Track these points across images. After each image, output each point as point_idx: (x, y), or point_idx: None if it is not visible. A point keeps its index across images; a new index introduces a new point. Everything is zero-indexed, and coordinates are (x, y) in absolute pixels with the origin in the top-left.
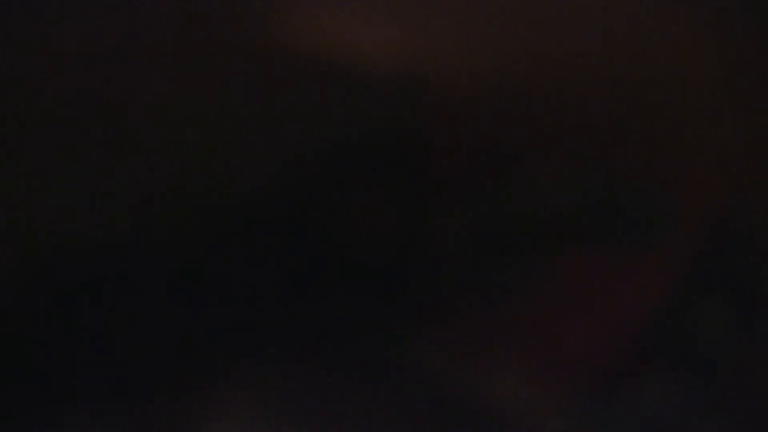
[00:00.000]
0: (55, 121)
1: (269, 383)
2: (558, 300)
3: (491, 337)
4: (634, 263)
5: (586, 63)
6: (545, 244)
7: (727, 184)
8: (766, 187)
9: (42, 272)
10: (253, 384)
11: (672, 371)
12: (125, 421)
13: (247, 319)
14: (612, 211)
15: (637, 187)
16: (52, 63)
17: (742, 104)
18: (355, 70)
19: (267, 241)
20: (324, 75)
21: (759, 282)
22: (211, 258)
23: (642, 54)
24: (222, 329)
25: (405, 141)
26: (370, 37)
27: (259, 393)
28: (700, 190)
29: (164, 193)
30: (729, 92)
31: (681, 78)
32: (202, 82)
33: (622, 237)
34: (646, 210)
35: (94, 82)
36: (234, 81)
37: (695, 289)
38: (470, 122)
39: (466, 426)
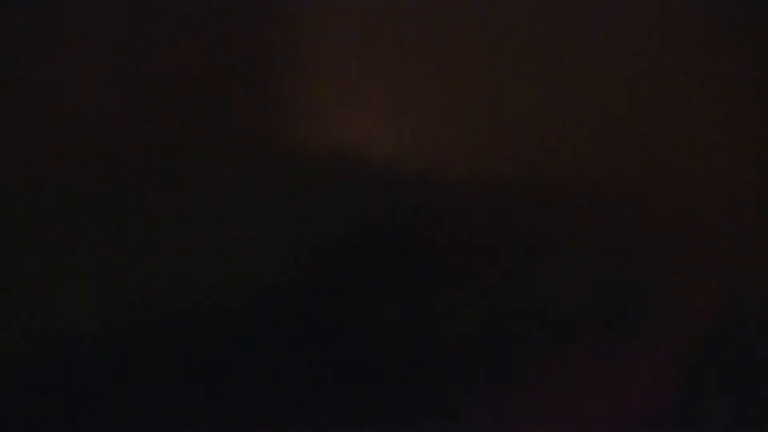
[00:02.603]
0: (79, 218)
1: None
2: (560, 386)
3: (498, 421)
4: (633, 355)
5: (589, 163)
6: (548, 334)
7: (725, 286)
8: (763, 289)
9: (60, 363)
10: None
11: None
12: None
13: (260, 411)
14: (612, 305)
15: (636, 283)
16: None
17: (744, 218)
18: (366, 168)
19: (282, 331)
20: (336, 172)
21: (755, 381)
22: (227, 351)
23: (642, 157)
24: (237, 421)
25: (412, 236)
26: (379, 135)
27: None
28: (699, 290)
29: (182, 288)
30: (730, 200)
31: (678, 182)
32: (218, 179)
33: (621, 330)
34: (645, 305)
35: (116, 181)
36: (248, 177)
37: (693, 381)
38: (476, 218)
39: None
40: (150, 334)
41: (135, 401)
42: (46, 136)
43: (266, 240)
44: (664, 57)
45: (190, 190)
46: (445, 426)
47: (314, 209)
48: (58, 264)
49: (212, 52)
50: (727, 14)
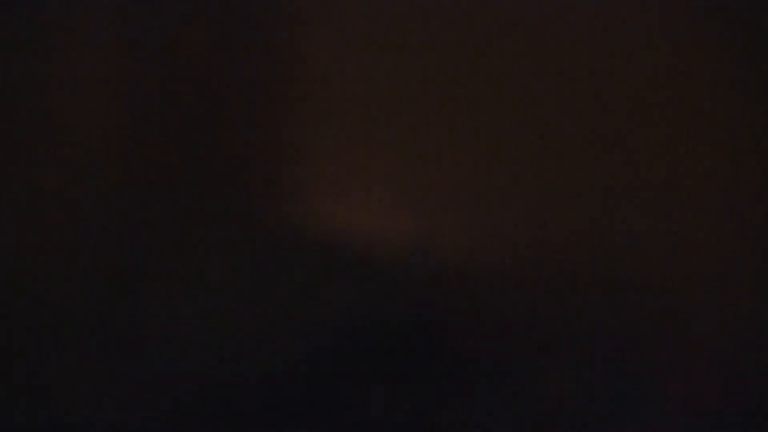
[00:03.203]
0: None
1: None
2: None
3: None
4: None
5: (598, 249)
6: (554, 427)
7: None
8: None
9: None
10: None
11: None
12: None
13: None
14: (615, 400)
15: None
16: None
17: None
18: (370, 256)
19: (282, 425)
20: (339, 260)
21: None
22: None
23: (654, 251)
24: None
25: (417, 326)
26: (384, 222)
27: None
28: (692, 383)
29: (179, 382)
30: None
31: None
32: (216, 271)
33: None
34: (643, 399)
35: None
36: (248, 267)
37: None
38: (482, 310)
39: None
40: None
41: None
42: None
43: (268, 330)
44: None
45: (186, 283)
46: None
47: (313, 297)
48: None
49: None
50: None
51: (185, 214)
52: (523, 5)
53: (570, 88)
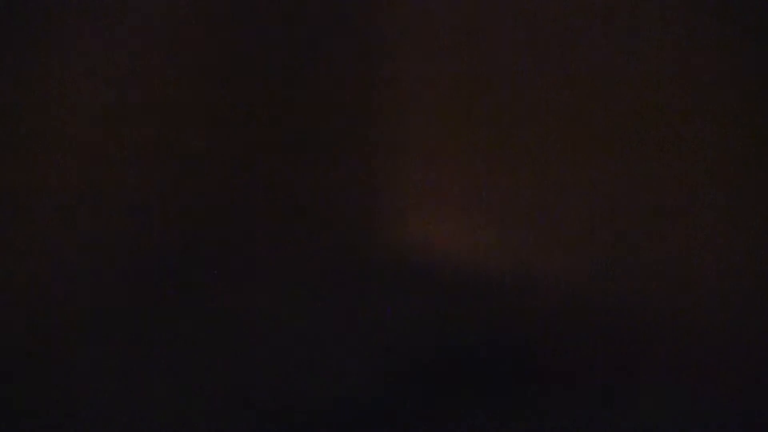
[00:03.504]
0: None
1: None
2: None
3: None
4: None
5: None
6: None
7: None
8: None
9: None
10: None
11: None
12: None
13: None
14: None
15: None
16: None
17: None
18: (456, 274)
19: None
20: (425, 279)
21: None
22: None
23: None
24: None
25: (503, 344)
26: (470, 240)
27: None
28: None
29: (266, 402)
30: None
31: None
32: (303, 289)
33: None
34: None
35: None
36: (334, 285)
37: None
38: (567, 327)
39: None
40: None
41: None
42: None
43: (364, 349)
44: None
45: (282, 301)
46: None
47: (400, 316)
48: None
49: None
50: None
51: (282, 231)
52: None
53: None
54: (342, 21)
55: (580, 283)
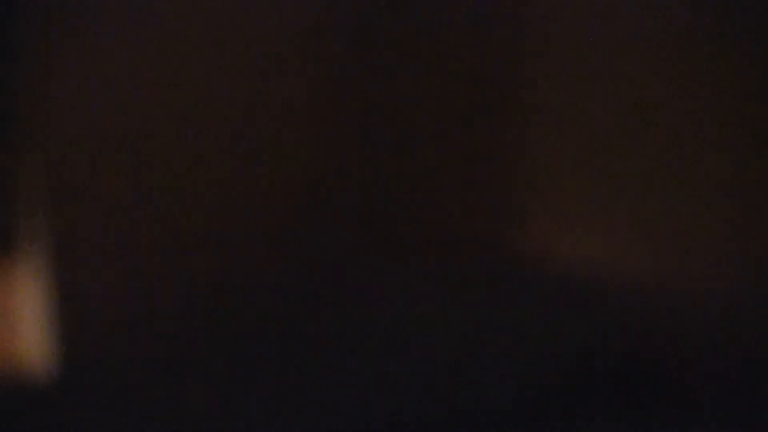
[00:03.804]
0: None
1: None
2: None
3: None
4: None
5: None
6: None
7: None
8: None
9: None
10: None
11: None
12: None
13: None
14: None
15: None
16: None
17: None
18: (586, 281)
19: None
20: (553, 286)
21: None
22: None
23: None
24: None
25: (643, 360)
26: (601, 247)
27: None
28: None
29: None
30: None
31: None
32: (439, 293)
33: None
34: None
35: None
36: (472, 295)
37: None
38: (709, 344)
39: None
40: None
41: None
42: None
43: (490, 360)
44: None
45: (408, 309)
46: None
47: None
48: None
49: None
50: None
51: (410, 237)
52: None
53: None
54: (480, 20)
55: (706, 290)
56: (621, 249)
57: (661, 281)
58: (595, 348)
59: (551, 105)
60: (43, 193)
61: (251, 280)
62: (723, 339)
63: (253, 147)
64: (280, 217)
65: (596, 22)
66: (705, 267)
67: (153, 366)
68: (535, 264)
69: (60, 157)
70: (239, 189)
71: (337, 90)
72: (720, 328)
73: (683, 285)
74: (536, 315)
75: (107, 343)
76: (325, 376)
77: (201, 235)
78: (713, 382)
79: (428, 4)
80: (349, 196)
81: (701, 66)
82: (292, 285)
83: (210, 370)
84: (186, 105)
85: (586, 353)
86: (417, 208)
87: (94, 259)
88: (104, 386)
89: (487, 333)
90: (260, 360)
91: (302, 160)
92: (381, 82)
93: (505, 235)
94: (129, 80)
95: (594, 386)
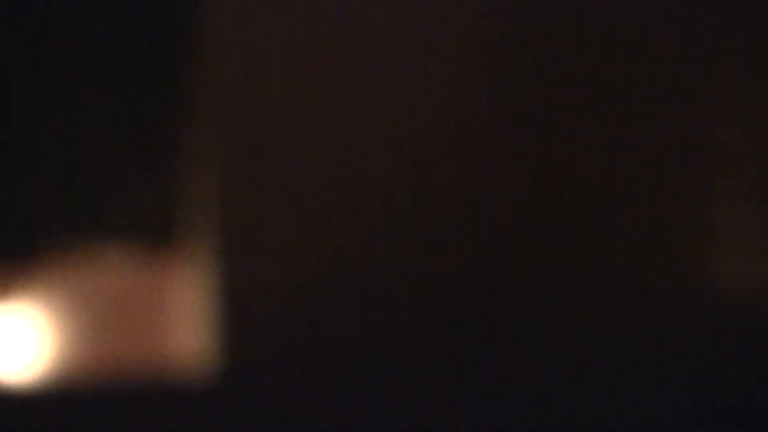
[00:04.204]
0: None
1: None
2: None
3: None
4: None
5: None
6: None
7: None
8: None
9: None
10: None
11: None
12: None
13: None
14: None
15: None
16: None
17: None
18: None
19: None
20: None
21: None
22: None
23: None
24: None
25: None
26: None
27: None
28: None
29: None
30: None
31: None
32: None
33: None
34: None
35: None
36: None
37: None
38: None
39: None
40: None
41: None
42: None
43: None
44: None
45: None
46: None
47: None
48: None
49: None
50: None
51: (600, 247)
52: None
53: None
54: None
55: None
56: None
57: None
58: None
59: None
60: (212, 189)
61: (424, 281)
62: None
63: (432, 152)
64: (463, 221)
65: None
66: None
67: (316, 368)
68: (725, 288)
69: (232, 153)
70: (415, 192)
71: (519, 98)
72: None
73: None
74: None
75: (268, 344)
76: (506, 378)
77: (370, 238)
78: None
79: (617, 11)
80: (535, 201)
81: None
82: (471, 288)
83: (377, 371)
84: (365, 108)
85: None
86: (607, 218)
87: (260, 257)
88: (264, 389)
89: (664, 352)
90: (431, 360)
91: (485, 165)
92: (564, 92)
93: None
94: (303, 81)
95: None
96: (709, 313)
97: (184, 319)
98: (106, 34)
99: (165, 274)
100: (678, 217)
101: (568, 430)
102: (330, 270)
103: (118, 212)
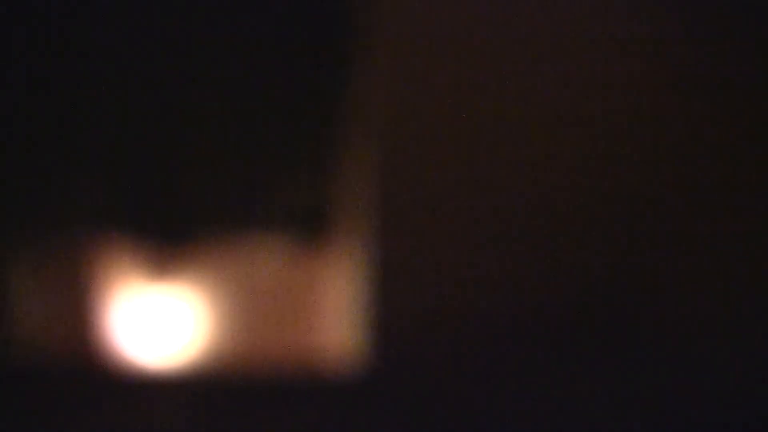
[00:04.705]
0: None
1: None
2: None
3: None
4: None
5: None
6: None
7: None
8: None
9: None
10: None
11: None
12: None
13: None
14: None
15: None
16: None
17: None
18: None
19: None
20: None
21: None
22: None
23: None
24: None
25: None
26: None
27: None
28: None
29: None
30: None
31: None
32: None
33: None
34: None
35: None
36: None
37: None
38: None
39: None
40: None
41: None
42: None
43: None
44: None
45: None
46: None
47: None
48: None
49: None
50: None
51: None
52: None
53: None
54: None
55: None
56: None
57: None
58: None
59: None
60: (368, 181)
61: (577, 279)
62: None
63: (592, 152)
64: (624, 222)
65: None
66: None
67: (466, 364)
68: None
69: (389, 145)
70: (575, 191)
71: (679, 95)
72: None
73: None
74: None
75: (420, 337)
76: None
77: (526, 233)
78: None
79: None
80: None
81: None
82: (631, 288)
83: (527, 367)
84: (523, 110)
85: None
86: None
87: (415, 250)
88: (414, 382)
89: None
90: (589, 361)
91: (648, 166)
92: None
93: None
94: (465, 79)
95: None
96: None
97: (336, 310)
98: (281, 29)
99: (319, 265)
100: None
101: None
102: (485, 264)
103: (275, 202)
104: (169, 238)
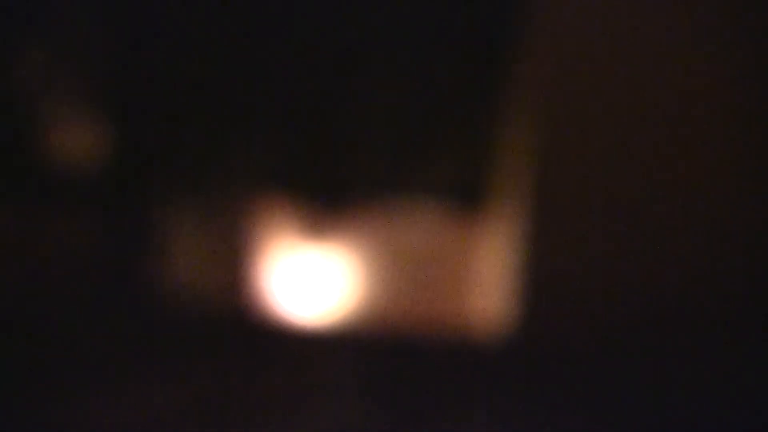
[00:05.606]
0: None
1: None
2: None
3: None
4: None
5: None
6: None
7: None
8: None
9: None
10: None
11: None
12: None
13: None
14: None
15: None
16: None
17: None
18: None
19: None
20: None
21: None
22: None
23: None
24: None
25: None
26: None
27: None
28: None
29: None
30: None
31: None
32: None
33: None
34: None
35: None
36: None
37: None
38: None
39: None
40: None
41: None
42: None
43: None
44: None
45: None
46: None
47: None
48: None
49: None
50: None
51: None
52: None
53: None
54: None
55: None
56: None
57: None
58: None
59: None
60: (524, 153)
61: (745, 269)
62: None
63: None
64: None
65: None
66: None
67: (608, 340)
68: None
69: (546, 119)
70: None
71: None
72: None
73: None
74: None
75: (567, 313)
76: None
77: (675, 217)
78: None
79: None
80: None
81: None
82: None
83: (677, 351)
84: (679, 101)
85: None
86: None
87: (568, 225)
88: (560, 356)
89: None
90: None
91: (741, 159)
92: None
93: None
94: (618, 66)
95: None
96: None
97: (487, 279)
98: (445, 26)
99: (473, 235)
100: None
101: None
102: (634, 241)
103: (436, 172)
104: (330, 201)
